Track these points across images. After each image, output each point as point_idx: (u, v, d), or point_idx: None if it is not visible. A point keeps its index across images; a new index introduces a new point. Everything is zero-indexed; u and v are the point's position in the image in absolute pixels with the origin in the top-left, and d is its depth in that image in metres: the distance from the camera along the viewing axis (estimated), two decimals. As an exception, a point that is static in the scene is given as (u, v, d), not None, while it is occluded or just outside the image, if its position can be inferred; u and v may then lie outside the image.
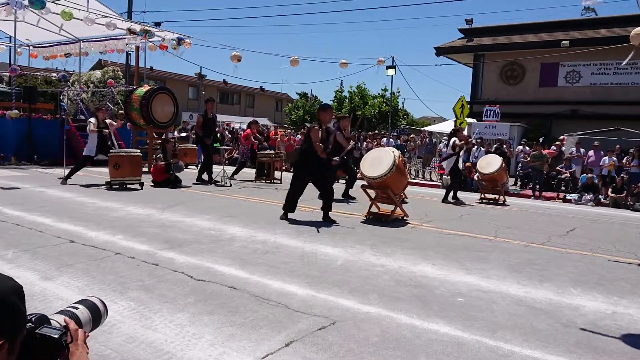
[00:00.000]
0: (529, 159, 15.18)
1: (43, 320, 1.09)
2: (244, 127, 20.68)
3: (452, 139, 11.43)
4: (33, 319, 1.07)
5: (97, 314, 1.23)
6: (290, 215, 7.58)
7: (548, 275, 5.05)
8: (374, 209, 8.23)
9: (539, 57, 23.36)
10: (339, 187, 12.05)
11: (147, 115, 14.00)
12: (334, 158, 8.77)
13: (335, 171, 10.88)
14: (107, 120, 11.09)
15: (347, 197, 10.52)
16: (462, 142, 11.21)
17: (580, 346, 3.26)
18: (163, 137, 14.02)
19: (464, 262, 5.39)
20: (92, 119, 10.75)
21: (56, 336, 1.06)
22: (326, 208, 7.66)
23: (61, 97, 19.29)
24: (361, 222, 7.78)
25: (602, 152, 15.62)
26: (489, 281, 4.69)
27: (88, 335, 1.18)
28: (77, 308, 1.19)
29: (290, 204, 7.60)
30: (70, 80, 20.34)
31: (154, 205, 8.21)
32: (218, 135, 15.56)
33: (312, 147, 7.51)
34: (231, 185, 11.81)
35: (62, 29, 16.27)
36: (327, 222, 7.51)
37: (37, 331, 1.05)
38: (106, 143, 10.69)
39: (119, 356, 2.81)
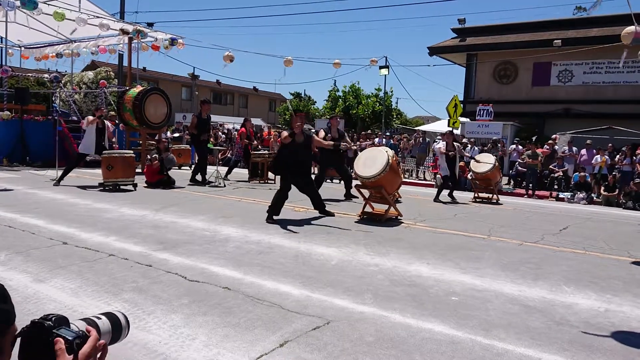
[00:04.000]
0: (526, 159, 15.17)
1: (62, 321, 1.11)
2: (238, 127, 20.66)
3: (439, 144, 11.67)
4: (53, 318, 1.09)
5: (117, 327, 1.26)
6: (285, 216, 7.58)
7: (541, 273, 5.07)
8: (368, 209, 8.24)
9: (532, 57, 23.48)
10: (335, 188, 12.08)
11: (140, 116, 13.94)
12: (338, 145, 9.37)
13: (324, 170, 10.86)
14: (106, 122, 11.07)
15: (349, 197, 10.50)
16: (449, 152, 11.42)
17: (574, 344, 3.28)
18: (156, 137, 13.99)
19: (458, 261, 5.41)
20: (90, 117, 10.74)
21: (70, 338, 1.09)
22: (319, 206, 8.01)
23: (53, 99, 19.19)
24: (355, 221, 7.79)
25: (594, 151, 15.71)
26: (482, 280, 4.71)
27: (107, 348, 1.20)
28: (100, 318, 1.22)
29: (278, 208, 7.58)
30: (63, 81, 20.23)
31: (148, 206, 8.18)
32: (211, 136, 15.53)
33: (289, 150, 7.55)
34: (225, 185, 11.79)
35: (55, 30, 16.20)
36: (326, 215, 7.95)
37: (54, 330, 1.08)
38: (101, 143, 10.65)
39: (112, 358, 2.79)
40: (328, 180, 13.71)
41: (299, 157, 7.57)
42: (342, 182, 11.54)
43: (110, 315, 1.24)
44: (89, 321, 1.18)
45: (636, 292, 4.59)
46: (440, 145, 11.82)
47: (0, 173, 12.36)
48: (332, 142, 9.06)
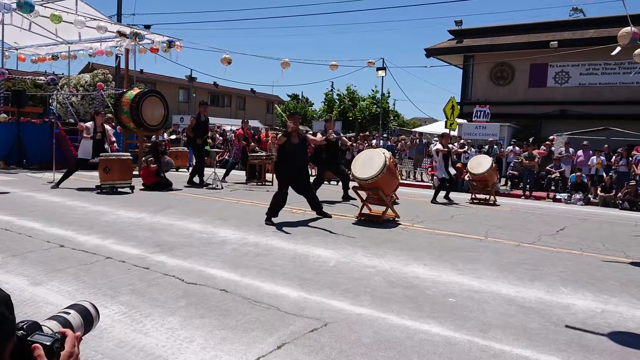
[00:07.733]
0: (523, 160, 15.17)
1: (35, 327, 1.07)
2: (235, 129, 20.66)
3: (437, 146, 11.71)
4: (24, 326, 1.05)
5: (88, 319, 1.22)
6: (283, 218, 7.57)
7: (538, 274, 5.08)
8: (365, 210, 8.25)
9: (528, 58, 23.51)
10: (333, 190, 12.07)
11: (137, 119, 13.91)
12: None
13: (323, 172, 10.94)
14: (106, 126, 10.99)
15: (347, 199, 10.52)
16: (444, 149, 11.50)
17: (571, 345, 3.29)
18: (152, 139, 13.96)
19: (455, 262, 5.42)
20: (90, 124, 10.65)
21: (48, 343, 1.04)
22: (317, 207, 8.02)
23: (50, 101, 19.14)
24: (353, 223, 7.79)
25: (591, 152, 15.76)
26: (480, 281, 4.71)
27: (81, 339, 1.17)
28: (69, 313, 1.18)
29: (276, 210, 7.58)
30: (60, 84, 20.18)
31: (145, 208, 8.17)
32: (209, 139, 15.50)
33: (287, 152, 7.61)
34: (222, 187, 11.79)
35: (51, 32, 16.18)
36: (323, 216, 7.95)
37: (28, 338, 1.04)
38: (102, 147, 10.59)
39: (110, 361, 2.79)
40: (326, 182, 13.72)
41: (297, 159, 7.63)
42: (340, 183, 11.56)
43: (79, 307, 1.21)
44: (60, 319, 1.15)
45: (633, 292, 4.60)
46: (438, 146, 11.85)
47: (-3, 176, 12.33)
48: (324, 138, 9.06)
